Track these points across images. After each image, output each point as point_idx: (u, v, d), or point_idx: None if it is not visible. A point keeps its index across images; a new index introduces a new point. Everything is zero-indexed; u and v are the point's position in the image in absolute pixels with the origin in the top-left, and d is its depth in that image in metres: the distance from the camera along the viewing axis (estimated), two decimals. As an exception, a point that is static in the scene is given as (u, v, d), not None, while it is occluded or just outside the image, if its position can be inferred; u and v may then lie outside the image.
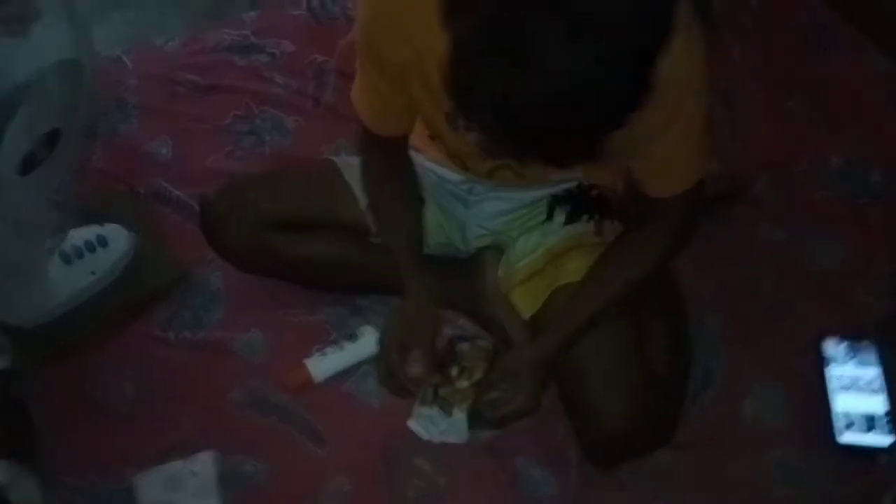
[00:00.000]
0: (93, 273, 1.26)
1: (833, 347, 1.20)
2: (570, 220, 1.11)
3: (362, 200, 1.16)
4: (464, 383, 1.08)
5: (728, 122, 1.46)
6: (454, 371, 1.09)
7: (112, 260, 1.28)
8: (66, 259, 1.25)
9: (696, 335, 1.21)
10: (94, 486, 1.11)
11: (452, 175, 1.13)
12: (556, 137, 0.62)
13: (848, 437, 1.12)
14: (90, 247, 1.27)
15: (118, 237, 1.30)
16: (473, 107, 0.64)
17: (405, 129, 1.05)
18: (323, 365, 1.18)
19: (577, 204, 1.10)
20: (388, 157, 1.08)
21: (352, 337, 1.20)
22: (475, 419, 1.08)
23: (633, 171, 0.95)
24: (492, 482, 1.09)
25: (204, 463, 0.97)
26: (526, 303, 1.11)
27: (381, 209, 1.12)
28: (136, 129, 1.51)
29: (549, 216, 1.11)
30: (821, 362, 1.19)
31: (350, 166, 1.18)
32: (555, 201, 1.11)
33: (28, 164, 0.99)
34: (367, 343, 1.19)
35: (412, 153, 1.14)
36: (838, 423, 1.13)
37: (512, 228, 1.14)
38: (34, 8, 0.96)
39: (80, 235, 1.27)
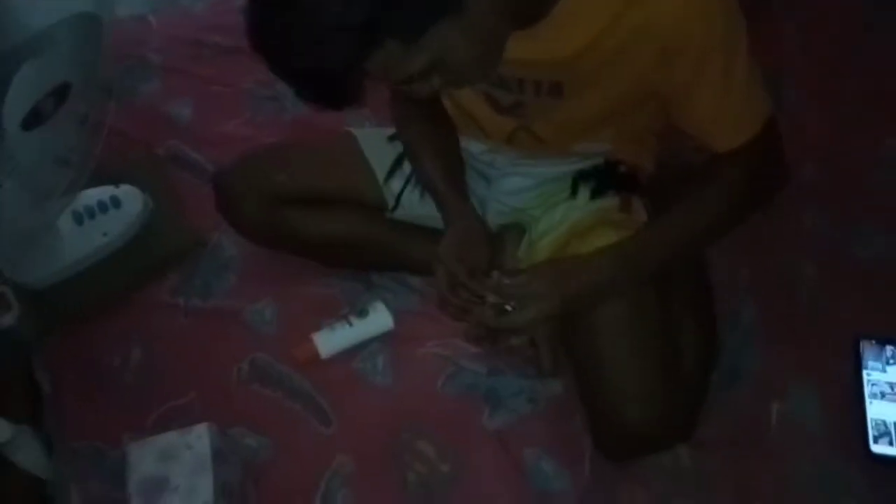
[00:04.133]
0: (105, 234, 1.24)
1: (870, 350, 1.12)
2: (594, 195, 1.04)
3: (380, 174, 1.12)
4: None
5: (775, 102, 1.37)
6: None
7: (125, 222, 1.27)
8: (78, 219, 1.23)
9: (727, 327, 1.14)
10: (94, 451, 1.10)
11: (474, 146, 1.08)
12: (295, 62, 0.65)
13: (880, 448, 1.05)
14: (103, 207, 1.25)
15: (132, 199, 1.28)
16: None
17: None
18: (331, 340, 1.15)
19: (602, 180, 1.04)
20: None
21: (362, 313, 1.16)
22: None
23: (688, 130, 0.89)
24: (498, 472, 1.05)
25: (200, 437, 0.94)
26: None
27: (412, 136, 1.06)
28: (158, 89, 1.49)
29: (573, 193, 1.05)
30: (858, 364, 1.11)
31: (370, 139, 1.13)
32: (579, 177, 1.04)
33: (33, 119, 0.97)
34: (377, 320, 1.15)
35: None
36: (872, 431, 1.06)
37: (534, 206, 1.08)
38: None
39: (93, 195, 1.25)
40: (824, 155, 1.32)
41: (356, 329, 1.15)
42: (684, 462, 1.05)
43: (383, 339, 1.16)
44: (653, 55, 0.79)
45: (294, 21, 0.64)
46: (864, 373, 1.10)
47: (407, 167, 1.13)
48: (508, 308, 0.90)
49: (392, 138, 1.14)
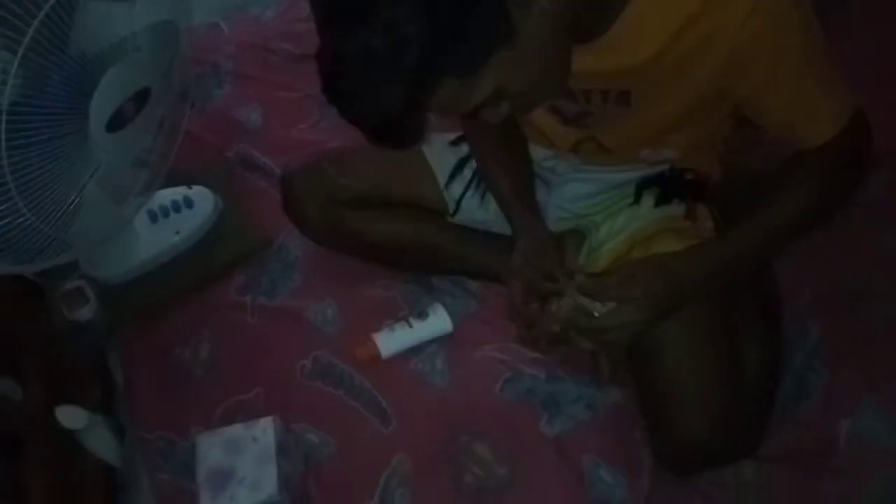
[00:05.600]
0: (177, 233, 1.29)
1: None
2: (659, 203, 1.03)
3: (441, 179, 1.14)
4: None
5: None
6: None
7: (197, 221, 1.31)
8: (153, 217, 1.29)
9: (794, 342, 1.11)
10: (164, 442, 1.14)
11: (537, 151, 1.08)
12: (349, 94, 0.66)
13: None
14: (176, 207, 1.30)
15: (204, 199, 1.33)
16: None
17: None
18: (391, 341, 1.16)
19: (667, 187, 1.02)
20: None
21: (421, 315, 1.17)
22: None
23: (771, 130, 0.87)
24: (555, 479, 1.04)
25: (265, 430, 0.97)
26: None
27: (484, 150, 1.07)
28: (229, 94, 1.54)
29: (637, 200, 1.04)
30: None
31: (432, 144, 1.15)
32: (643, 184, 1.03)
33: (117, 122, 1.01)
34: (436, 322, 1.16)
35: None
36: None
37: (596, 212, 1.07)
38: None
39: (167, 195, 1.30)
40: (894, 167, 1.27)
41: (416, 331, 1.16)
42: (747, 477, 1.02)
43: (442, 341, 1.17)
44: (723, 61, 0.78)
45: (348, 73, 0.65)
46: (940, 392, 1.05)
47: (467, 172, 1.14)
48: (595, 313, 0.89)
49: (454, 143, 1.15)
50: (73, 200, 1.03)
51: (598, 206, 1.07)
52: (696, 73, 0.80)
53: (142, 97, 1.05)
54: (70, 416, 1.11)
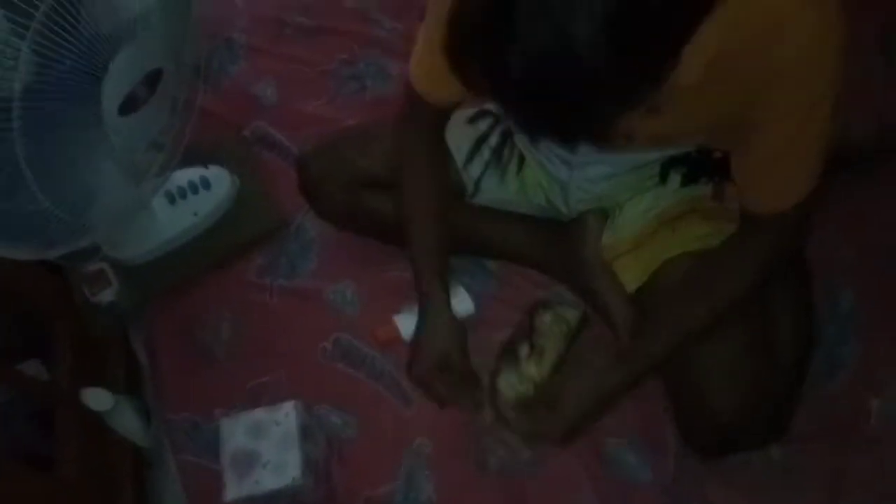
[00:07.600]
0: (195, 214, 1.29)
1: None
2: (685, 182, 1.00)
3: (459, 159, 1.11)
4: (531, 369, 1.00)
5: (882, 65, 1.27)
6: (523, 350, 1.02)
7: (214, 202, 1.30)
8: (171, 199, 1.28)
9: (825, 315, 1.08)
10: (190, 423, 1.15)
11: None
12: (540, 108, 0.59)
13: None
14: (193, 188, 1.29)
15: (221, 180, 1.32)
16: (464, 68, 0.61)
17: (456, 98, 0.96)
18: (411, 323, 1.13)
19: (694, 167, 0.99)
20: (427, 131, 1.02)
21: (442, 296, 1.16)
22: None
23: (733, 171, 0.84)
24: (579, 462, 1.04)
25: (287, 414, 0.97)
26: (632, 273, 1.02)
27: (410, 192, 1.02)
28: (244, 70, 1.51)
29: (663, 180, 1.00)
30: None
31: (449, 122, 1.11)
32: (669, 164, 1.00)
33: (129, 105, 1.00)
34: (457, 304, 1.14)
35: None
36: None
37: (619, 192, 1.04)
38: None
39: (184, 176, 1.29)
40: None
41: (437, 312, 1.15)
42: (774, 456, 1.01)
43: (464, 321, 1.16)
44: (761, 82, 0.73)
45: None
46: (977, 371, 1.03)
47: (485, 151, 1.11)
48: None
49: (472, 120, 1.12)
50: (90, 185, 1.02)
51: (621, 186, 1.03)
52: (728, 98, 0.75)
53: (154, 78, 1.03)
54: (96, 398, 1.12)
